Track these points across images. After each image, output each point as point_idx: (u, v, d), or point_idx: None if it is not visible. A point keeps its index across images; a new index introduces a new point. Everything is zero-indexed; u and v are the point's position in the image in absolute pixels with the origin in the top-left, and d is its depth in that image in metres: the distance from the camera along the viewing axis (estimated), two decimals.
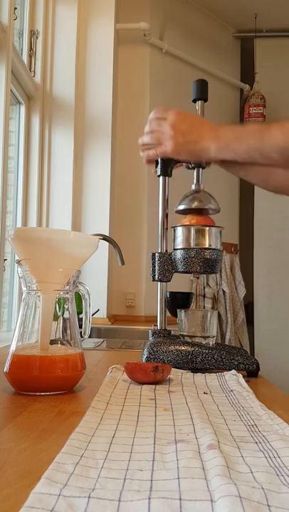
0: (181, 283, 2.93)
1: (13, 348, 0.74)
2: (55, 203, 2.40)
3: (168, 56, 3.21)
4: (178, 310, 1.02)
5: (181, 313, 1.00)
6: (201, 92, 1.05)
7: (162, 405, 0.65)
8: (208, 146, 0.84)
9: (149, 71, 3.08)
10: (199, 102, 1.05)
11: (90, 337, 0.99)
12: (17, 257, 0.76)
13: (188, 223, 0.99)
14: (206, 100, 1.06)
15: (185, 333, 0.99)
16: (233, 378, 0.82)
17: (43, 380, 0.71)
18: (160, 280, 1.03)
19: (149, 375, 0.78)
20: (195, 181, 1.04)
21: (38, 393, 0.71)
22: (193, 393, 0.72)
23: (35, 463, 0.43)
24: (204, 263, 0.99)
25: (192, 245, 0.99)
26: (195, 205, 1.00)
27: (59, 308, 0.77)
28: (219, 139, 0.82)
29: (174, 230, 1.03)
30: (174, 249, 1.02)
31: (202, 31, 3.55)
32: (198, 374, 0.88)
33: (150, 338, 1.01)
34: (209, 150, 0.84)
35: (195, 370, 0.91)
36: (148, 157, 0.96)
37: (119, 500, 0.34)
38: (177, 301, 1.14)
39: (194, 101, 1.05)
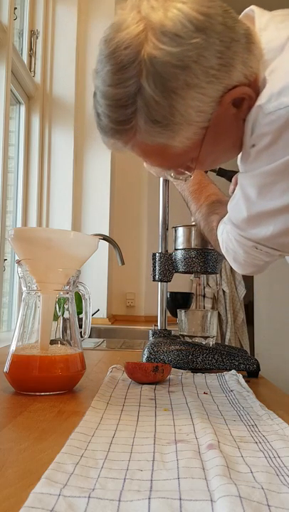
0: (181, 283, 2.92)
1: (13, 348, 0.74)
2: (55, 203, 2.39)
3: None
4: (178, 310, 1.02)
5: (181, 313, 1.00)
6: None
7: (162, 405, 0.65)
8: None
9: None
10: None
11: (90, 337, 0.99)
12: (17, 257, 0.76)
13: None
14: None
15: (185, 333, 0.99)
16: (233, 378, 0.82)
17: (43, 380, 0.71)
18: (161, 280, 1.03)
19: (149, 375, 0.78)
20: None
21: (38, 393, 0.71)
22: (193, 393, 0.72)
23: (35, 463, 0.43)
24: (205, 263, 0.99)
25: (193, 245, 0.99)
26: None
27: (59, 308, 0.77)
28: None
29: (175, 231, 1.03)
30: (175, 250, 1.02)
31: None
32: (198, 374, 0.88)
33: (150, 338, 1.01)
34: None
35: (195, 370, 0.91)
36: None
37: (119, 500, 0.34)
38: (177, 301, 1.14)
39: None
